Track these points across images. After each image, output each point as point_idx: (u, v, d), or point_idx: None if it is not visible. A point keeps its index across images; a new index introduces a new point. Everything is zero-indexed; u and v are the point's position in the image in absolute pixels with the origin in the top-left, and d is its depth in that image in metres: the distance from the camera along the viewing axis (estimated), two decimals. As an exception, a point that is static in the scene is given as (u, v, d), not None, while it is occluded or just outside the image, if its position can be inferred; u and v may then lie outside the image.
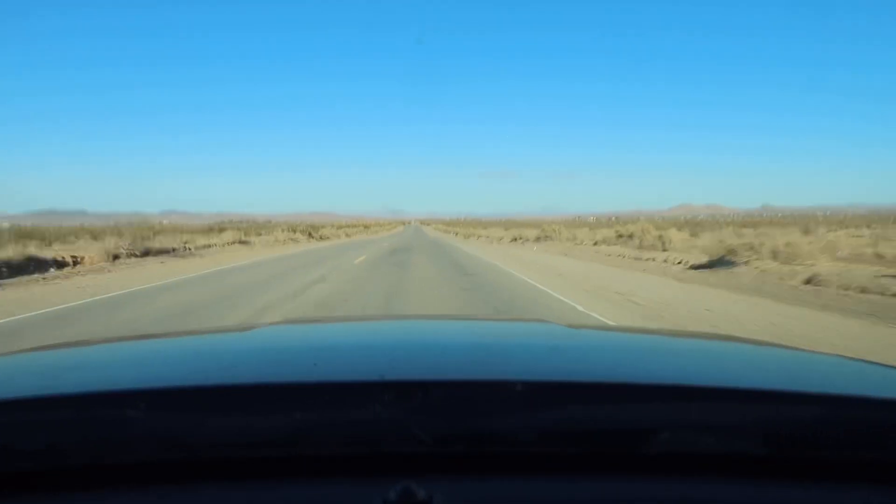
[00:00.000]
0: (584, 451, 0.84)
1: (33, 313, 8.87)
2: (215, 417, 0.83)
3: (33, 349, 1.58)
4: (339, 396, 0.86)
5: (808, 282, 10.31)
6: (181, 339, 1.71)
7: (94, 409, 0.83)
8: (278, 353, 1.30)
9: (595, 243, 26.96)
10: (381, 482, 0.73)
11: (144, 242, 23.24)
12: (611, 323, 7.41)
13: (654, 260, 17.55)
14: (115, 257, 20.06)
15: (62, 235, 29.05)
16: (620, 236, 26.04)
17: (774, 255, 12.39)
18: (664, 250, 20.43)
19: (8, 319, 8.26)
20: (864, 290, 9.49)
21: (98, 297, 10.62)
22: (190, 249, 26.57)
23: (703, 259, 14.66)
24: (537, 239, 36.21)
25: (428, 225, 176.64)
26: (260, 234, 42.49)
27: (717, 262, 13.69)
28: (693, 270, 13.94)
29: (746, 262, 12.64)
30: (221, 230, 39.91)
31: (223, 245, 32.13)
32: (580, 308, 8.83)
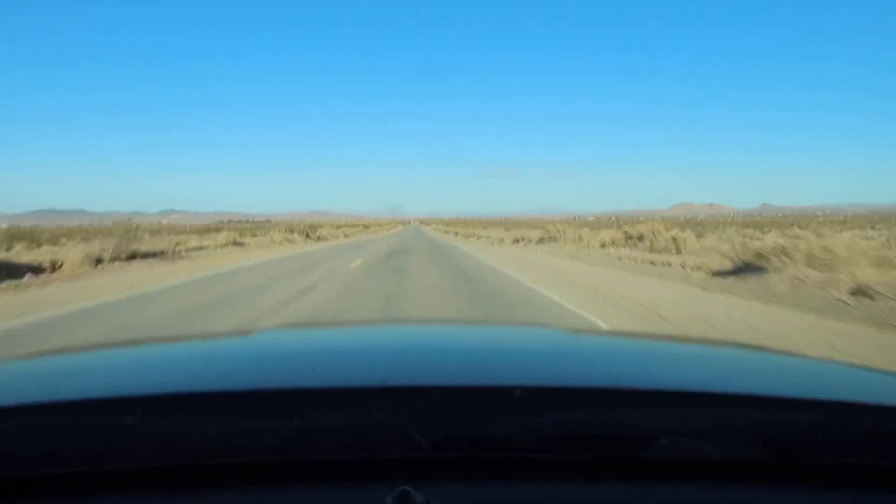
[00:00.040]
0: (583, 457, 0.84)
1: None
2: (215, 423, 0.83)
3: (33, 355, 1.60)
4: (340, 402, 0.85)
5: (854, 293, 9.20)
6: (182, 345, 1.71)
7: (95, 416, 0.84)
8: (278, 359, 1.30)
9: (602, 245, 25.86)
10: (380, 487, 0.74)
11: (133, 244, 22.11)
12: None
13: (669, 265, 16.43)
14: (98, 261, 18.99)
15: (55, 237, 28.19)
16: (630, 238, 24.89)
17: (809, 260, 11.29)
18: (678, 253, 19.42)
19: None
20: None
21: (26, 319, 8.46)
22: (180, 252, 25.52)
23: (726, 264, 13.56)
24: (540, 240, 35.08)
25: (428, 224, 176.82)
26: (255, 235, 41.84)
27: (744, 269, 12.59)
28: (717, 277, 12.86)
29: (777, 269, 11.53)
30: (217, 231, 39.28)
31: (217, 247, 31.30)
32: (602, 324, 7.90)
